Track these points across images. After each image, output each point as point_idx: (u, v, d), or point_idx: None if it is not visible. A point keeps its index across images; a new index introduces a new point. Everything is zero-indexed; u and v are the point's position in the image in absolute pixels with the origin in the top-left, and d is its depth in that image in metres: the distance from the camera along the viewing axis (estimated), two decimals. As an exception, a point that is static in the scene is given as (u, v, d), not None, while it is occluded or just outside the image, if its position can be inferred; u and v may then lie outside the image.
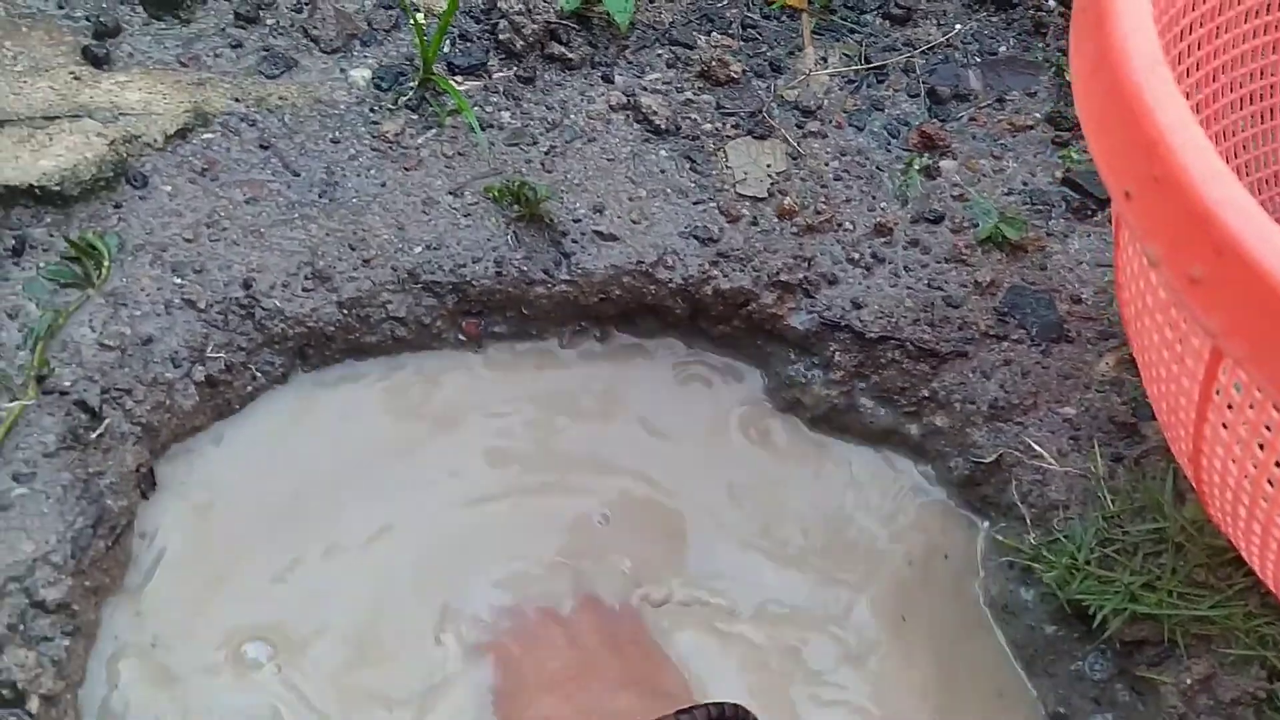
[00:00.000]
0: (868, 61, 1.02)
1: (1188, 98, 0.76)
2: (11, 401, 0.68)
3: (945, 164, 0.95)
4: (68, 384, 0.70)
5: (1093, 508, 0.76)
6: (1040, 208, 0.93)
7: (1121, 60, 0.54)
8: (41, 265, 0.75)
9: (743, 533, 0.82)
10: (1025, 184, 0.95)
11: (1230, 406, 0.56)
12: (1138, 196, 0.53)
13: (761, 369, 0.90)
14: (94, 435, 0.68)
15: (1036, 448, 0.80)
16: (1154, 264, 0.52)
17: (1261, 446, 0.55)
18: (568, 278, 0.84)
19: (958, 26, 1.06)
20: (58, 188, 0.77)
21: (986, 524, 0.83)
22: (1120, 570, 0.73)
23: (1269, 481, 0.56)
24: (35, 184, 0.77)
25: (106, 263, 0.75)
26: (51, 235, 0.77)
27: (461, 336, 0.85)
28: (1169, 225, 0.50)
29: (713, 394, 0.89)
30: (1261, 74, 0.83)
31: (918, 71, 1.02)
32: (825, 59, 1.02)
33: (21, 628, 0.60)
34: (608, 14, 0.97)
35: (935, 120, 0.98)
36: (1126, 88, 0.53)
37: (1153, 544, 0.73)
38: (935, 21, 1.06)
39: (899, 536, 0.83)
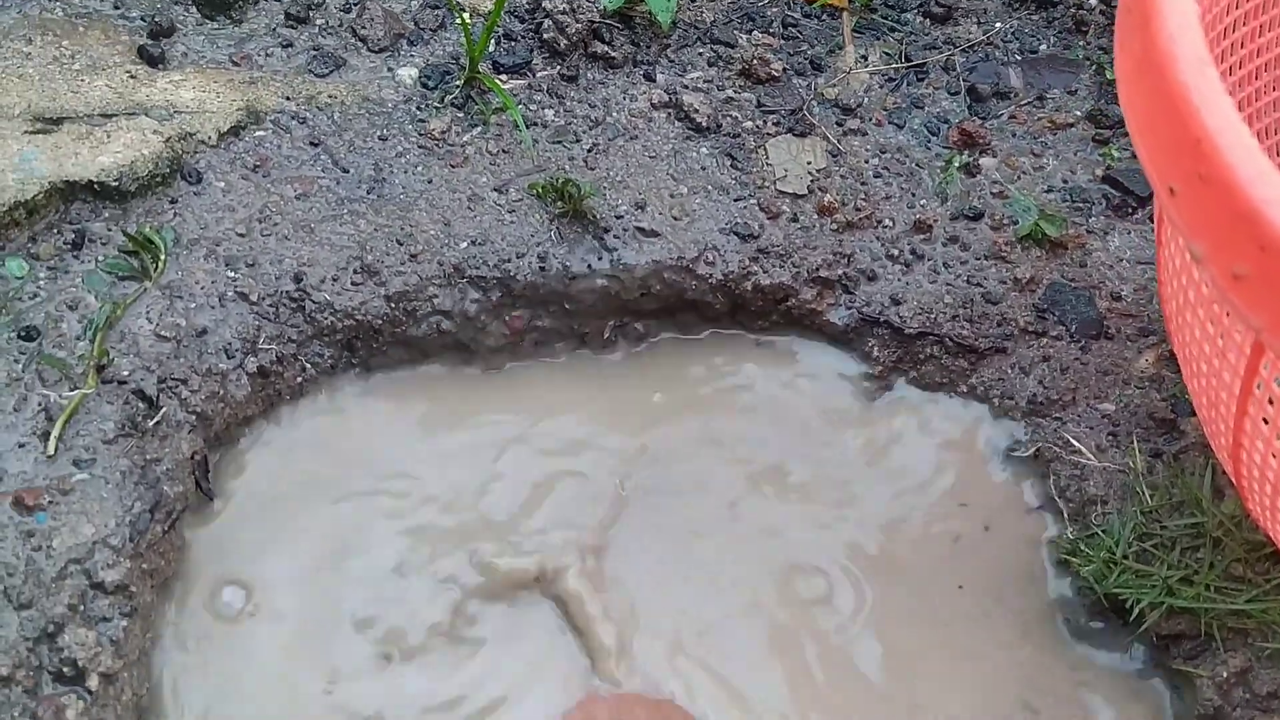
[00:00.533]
0: (908, 60, 1.03)
1: (1232, 95, 0.76)
2: (72, 390, 0.70)
3: (985, 161, 0.96)
4: (126, 373, 0.72)
5: (1131, 502, 0.77)
6: (1080, 205, 0.94)
7: (1168, 60, 0.55)
8: (100, 259, 0.77)
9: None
10: (1065, 181, 0.95)
11: (1271, 401, 0.57)
12: (1183, 194, 0.54)
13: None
14: (151, 423, 0.70)
15: (1075, 443, 0.81)
16: (1198, 260, 0.53)
17: (1302, 441, 0.55)
18: (610, 272, 0.86)
19: (998, 25, 1.06)
20: (116, 183, 0.79)
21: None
22: (1158, 565, 0.73)
23: (1309, 476, 0.56)
24: (94, 179, 0.79)
25: (163, 256, 0.77)
26: (110, 229, 0.79)
27: (506, 331, 0.86)
28: (1214, 222, 0.51)
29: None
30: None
31: (958, 69, 1.02)
32: (865, 57, 1.03)
33: (82, 608, 0.62)
34: (650, 13, 0.98)
35: (975, 118, 0.99)
36: (1173, 87, 0.54)
37: (1190, 539, 0.74)
38: (975, 20, 1.07)
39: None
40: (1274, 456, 0.58)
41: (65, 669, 0.60)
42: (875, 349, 0.87)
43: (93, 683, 0.60)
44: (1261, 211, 0.48)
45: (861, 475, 0.84)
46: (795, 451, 0.85)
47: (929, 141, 0.97)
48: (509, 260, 0.85)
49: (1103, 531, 0.76)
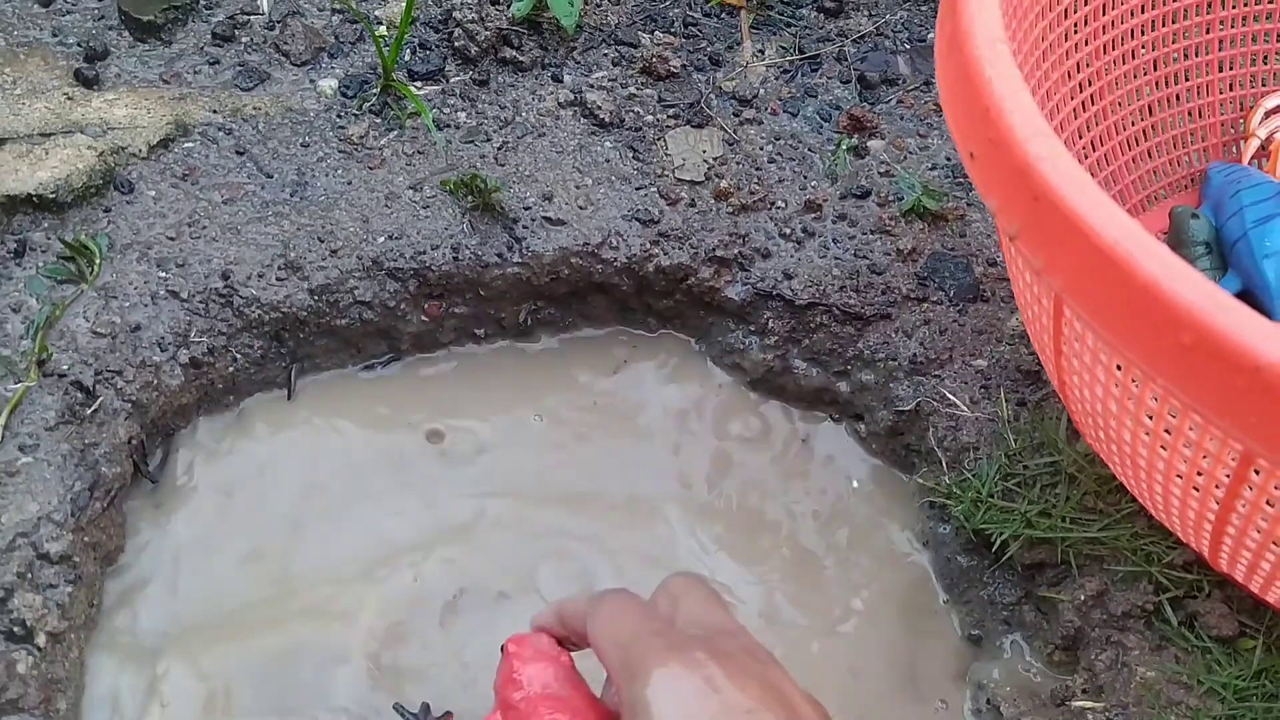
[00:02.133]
0: (802, 52, 1.10)
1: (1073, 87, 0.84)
2: (16, 383, 0.76)
3: (873, 144, 1.03)
4: (65, 367, 0.78)
5: (998, 448, 0.83)
6: (961, 180, 1.00)
7: (967, 37, 0.62)
8: (40, 265, 0.83)
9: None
10: (948, 159, 1.02)
11: (1076, 340, 0.63)
12: (979, 157, 0.61)
13: (703, 339, 0.97)
14: (89, 411, 0.77)
15: (951, 397, 0.88)
16: (993, 214, 0.60)
17: (1102, 370, 0.62)
18: (520, 260, 0.92)
19: (888, 16, 1.13)
20: (53, 195, 0.86)
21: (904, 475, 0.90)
22: (1020, 501, 0.80)
23: (1112, 401, 0.63)
24: (33, 193, 0.85)
25: (98, 260, 0.84)
26: (49, 238, 0.85)
27: (424, 318, 0.93)
28: (1001, 179, 0.58)
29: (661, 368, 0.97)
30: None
31: (849, 59, 1.09)
32: (763, 51, 1.10)
33: (29, 576, 0.68)
34: (556, 19, 1.05)
35: (865, 104, 1.06)
36: (969, 61, 0.61)
37: (1049, 476, 0.80)
38: (867, 12, 1.14)
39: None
40: (1085, 387, 0.65)
41: (15, 629, 0.67)
42: (770, 320, 0.94)
43: (41, 640, 0.67)
44: (1034, 166, 0.55)
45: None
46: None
47: (821, 127, 1.04)
48: (424, 252, 0.91)
49: (973, 475, 0.83)
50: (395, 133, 0.98)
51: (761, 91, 1.06)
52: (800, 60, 1.09)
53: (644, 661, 0.41)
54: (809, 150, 1.02)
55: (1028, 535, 0.78)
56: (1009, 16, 0.70)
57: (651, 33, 1.09)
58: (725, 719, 0.38)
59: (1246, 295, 0.79)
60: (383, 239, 0.91)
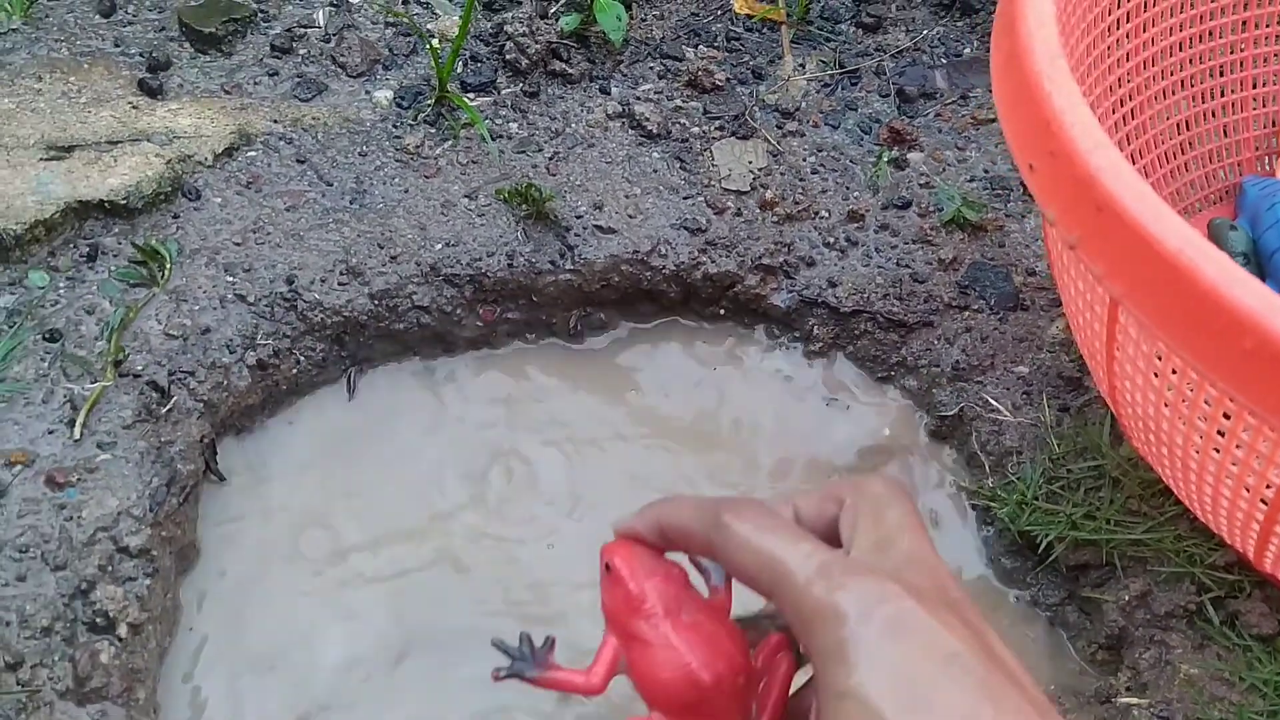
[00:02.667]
0: (842, 66, 1.12)
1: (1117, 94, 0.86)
2: (93, 383, 0.79)
3: (913, 156, 1.05)
4: (140, 368, 0.81)
5: (1041, 451, 0.86)
6: (1000, 192, 1.03)
7: (1026, 54, 0.65)
8: (113, 269, 0.86)
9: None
10: (986, 171, 1.04)
11: (1130, 346, 0.66)
12: (1039, 169, 0.63)
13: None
14: (164, 410, 0.79)
15: (994, 402, 0.90)
16: (1052, 224, 0.62)
17: (1156, 375, 0.64)
18: (572, 267, 0.95)
19: (925, 32, 1.16)
20: (124, 201, 0.88)
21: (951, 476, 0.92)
22: (1064, 503, 0.82)
23: (1165, 404, 0.65)
24: (105, 199, 0.88)
25: (169, 265, 0.86)
26: (120, 243, 0.88)
27: (479, 323, 0.95)
28: (1061, 190, 0.61)
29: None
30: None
31: (888, 74, 1.12)
32: (803, 65, 1.12)
33: (110, 569, 0.71)
34: (604, 32, 1.07)
35: (904, 117, 1.08)
36: (1029, 76, 0.64)
37: (1093, 480, 0.83)
38: (904, 28, 1.16)
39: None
40: (1139, 392, 0.67)
41: (98, 620, 0.69)
42: (815, 327, 0.97)
43: (122, 631, 0.69)
44: (1097, 178, 0.58)
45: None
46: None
47: (861, 140, 1.07)
48: (480, 259, 0.94)
49: (1016, 478, 0.85)
50: (450, 143, 1.01)
51: (803, 105, 1.09)
52: (840, 74, 1.12)
53: (824, 590, 0.34)
54: (850, 162, 1.05)
55: (1073, 537, 0.80)
56: (1061, 35, 0.73)
57: (695, 46, 1.12)
58: (926, 662, 0.32)
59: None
60: (440, 246, 0.94)
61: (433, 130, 1.01)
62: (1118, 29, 0.86)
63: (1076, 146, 0.59)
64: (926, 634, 0.33)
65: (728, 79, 1.09)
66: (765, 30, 1.15)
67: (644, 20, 1.13)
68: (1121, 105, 0.91)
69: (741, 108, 1.07)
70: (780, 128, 1.06)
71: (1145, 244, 0.55)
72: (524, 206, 0.96)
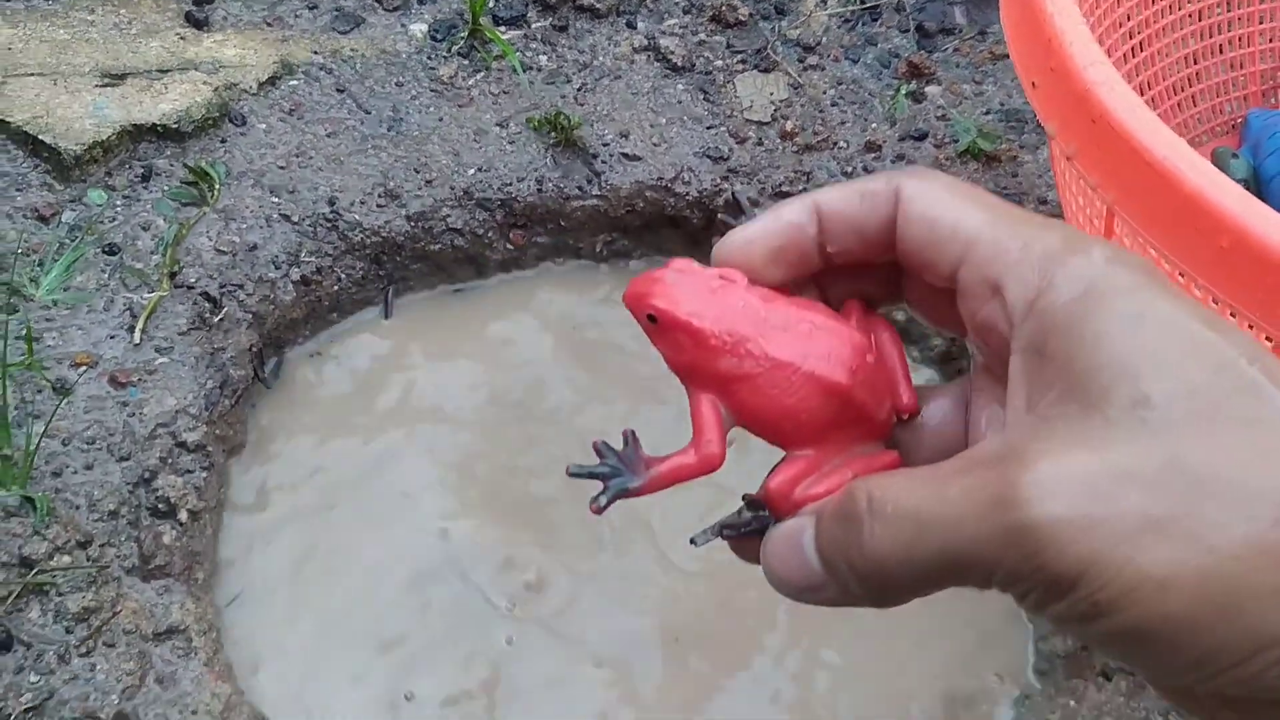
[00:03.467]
0: (862, 2, 1.15)
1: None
2: (150, 293, 0.84)
3: (930, 89, 1.09)
4: (193, 280, 0.86)
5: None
6: (1014, 124, 1.06)
7: (1031, -23, 0.68)
8: (166, 188, 0.91)
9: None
10: (1002, 105, 1.08)
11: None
12: (1041, 85, 0.67)
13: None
14: (216, 319, 0.85)
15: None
16: (1053, 137, 0.66)
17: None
18: (599, 193, 0.99)
19: (945, -31, 1.19)
20: (175, 125, 0.93)
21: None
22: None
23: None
24: (157, 122, 0.93)
25: (218, 186, 0.91)
26: (172, 164, 0.93)
27: (510, 245, 1.00)
28: (1061, 104, 0.64)
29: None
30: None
31: (908, 9, 1.15)
32: (825, 1, 1.15)
33: (170, 461, 0.77)
34: (630, -32, 1.11)
35: (923, 52, 1.11)
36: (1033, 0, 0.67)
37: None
38: (924, -35, 1.19)
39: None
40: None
41: (160, 505, 0.75)
42: (832, 253, 1.00)
43: (183, 516, 0.75)
44: (1092, 91, 0.61)
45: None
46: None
47: (880, 74, 1.10)
48: (510, 184, 0.98)
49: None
50: (482, 74, 1.05)
51: (824, 39, 1.12)
52: (861, 10, 1.15)
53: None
54: (869, 95, 1.08)
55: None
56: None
57: (719, -17, 1.15)
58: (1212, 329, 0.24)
59: (1283, 227, 0.85)
60: (473, 171, 0.98)
61: (466, 62, 1.05)
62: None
63: (1074, 62, 0.63)
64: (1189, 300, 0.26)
65: (751, 14, 1.12)
66: (789, -33, 1.18)
67: (670, -43, 1.17)
68: (1131, 37, 0.93)
69: (764, 42, 1.10)
70: (802, 61, 1.10)
71: (1135, 152, 0.58)
72: (553, 134, 1.00)
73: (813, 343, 0.30)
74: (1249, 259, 0.54)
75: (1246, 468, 0.23)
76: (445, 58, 1.05)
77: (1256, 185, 0.89)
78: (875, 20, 1.14)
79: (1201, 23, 0.99)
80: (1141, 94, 0.96)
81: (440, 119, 1.01)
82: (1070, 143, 0.64)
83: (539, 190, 0.98)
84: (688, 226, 1.02)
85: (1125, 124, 0.59)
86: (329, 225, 0.94)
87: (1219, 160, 0.91)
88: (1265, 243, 0.53)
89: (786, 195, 1.00)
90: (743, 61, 1.09)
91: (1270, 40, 1.00)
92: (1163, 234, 0.59)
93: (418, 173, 0.97)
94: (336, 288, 0.94)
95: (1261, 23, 0.99)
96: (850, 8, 1.15)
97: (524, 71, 1.05)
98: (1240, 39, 0.99)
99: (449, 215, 0.97)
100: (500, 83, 1.04)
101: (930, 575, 0.25)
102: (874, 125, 1.06)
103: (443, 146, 0.99)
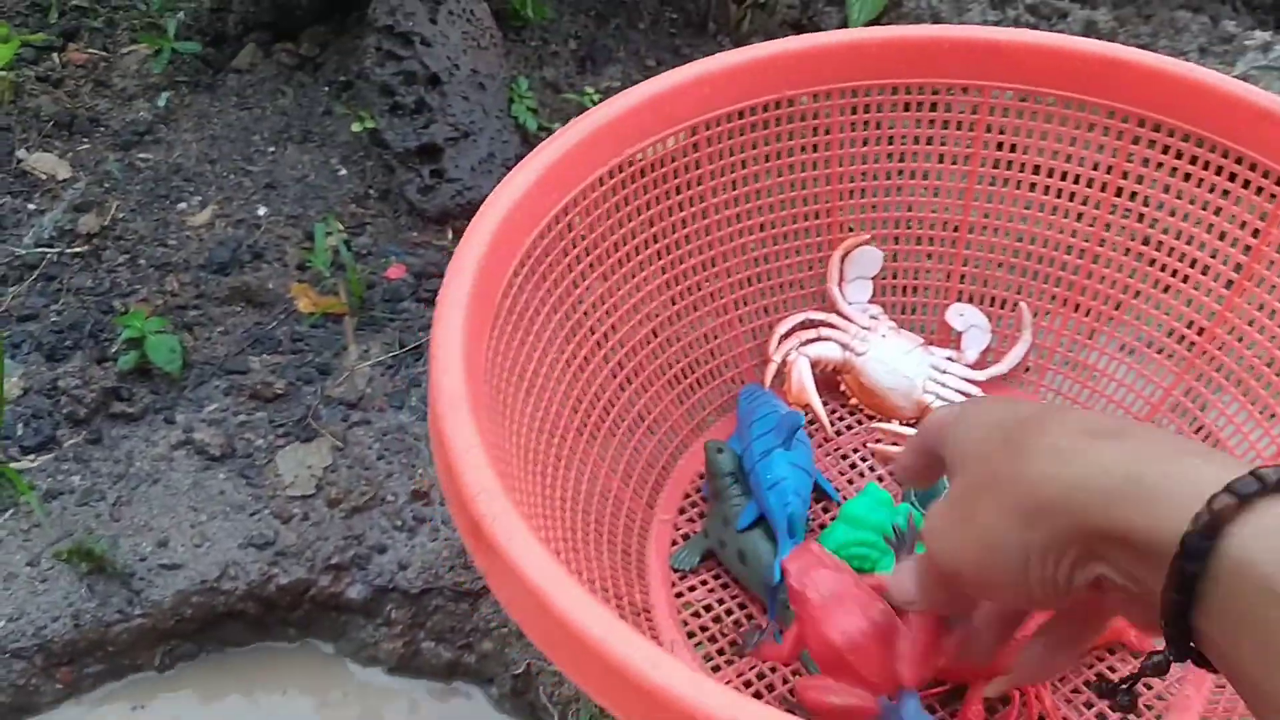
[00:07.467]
0: (403, 345, 1.21)
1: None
2: None
3: (473, 420, 1.14)
4: None
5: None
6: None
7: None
8: None
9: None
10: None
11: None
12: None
13: (339, 638, 1.05)
14: None
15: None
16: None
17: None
18: (142, 611, 0.98)
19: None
20: None
21: (536, 725, 0.99)
22: (609, 746, 0.89)
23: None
24: None
25: None
26: None
27: (59, 685, 0.97)
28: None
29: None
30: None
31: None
32: (368, 351, 1.21)
33: None
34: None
35: (463, 383, 1.17)
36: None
37: None
38: (461, 295, 1.27)
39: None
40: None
41: None
42: (392, 611, 1.02)
43: None
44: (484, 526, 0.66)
45: None
46: None
47: (425, 415, 1.15)
48: (44, 626, 0.96)
49: (574, 726, 0.92)
50: (10, 511, 1.03)
51: (369, 391, 1.16)
52: (403, 353, 1.20)
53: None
54: (415, 439, 1.12)
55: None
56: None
57: (260, 355, 1.19)
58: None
59: (763, 520, 0.91)
60: (3, 623, 0.96)
61: (-9, 503, 1.04)
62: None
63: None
64: None
65: (290, 383, 1.16)
66: (330, 325, 1.23)
67: (209, 339, 1.20)
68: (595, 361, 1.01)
69: (305, 409, 1.14)
70: (345, 420, 1.14)
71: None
72: (85, 563, 0.99)
73: (840, 615, 0.61)
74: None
75: None
76: (-32, 504, 1.04)
77: (742, 474, 0.96)
78: (418, 360, 1.20)
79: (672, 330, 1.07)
80: (643, 394, 1.03)
81: (-37, 574, 0.99)
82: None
83: (76, 625, 0.97)
84: (246, 618, 1.02)
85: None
86: None
87: (707, 455, 0.98)
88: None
89: (339, 566, 1.02)
90: (284, 434, 1.11)
91: (753, 319, 1.10)
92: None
93: (-61, 640, 0.94)
94: None
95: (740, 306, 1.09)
96: (393, 353, 1.20)
97: (54, 499, 1.04)
98: (719, 328, 1.09)
99: (-21, 677, 0.94)
100: (30, 517, 1.03)
101: None
102: (420, 471, 1.10)
103: (-35, 605, 0.97)
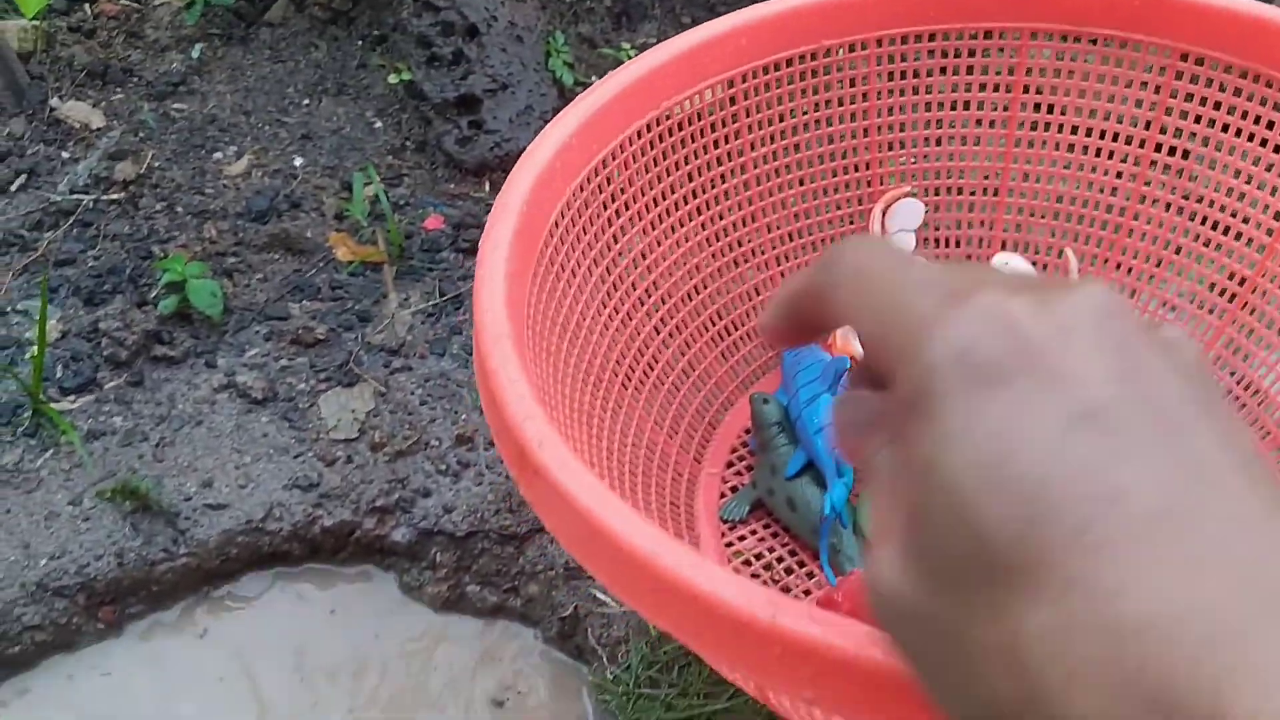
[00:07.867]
0: (443, 294, 1.20)
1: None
2: None
3: (516, 368, 1.13)
4: None
5: (642, 637, 0.92)
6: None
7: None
8: None
9: None
10: (585, 369, 1.13)
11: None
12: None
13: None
14: None
15: (601, 596, 0.96)
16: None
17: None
18: (187, 551, 0.97)
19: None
20: None
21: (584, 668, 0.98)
22: (662, 685, 0.88)
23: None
24: None
25: None
26: None
27: (101, 624, 0.96)
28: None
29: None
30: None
31: (488, 292, 1.20)
32: (407, 299, 1.19)
33: None
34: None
35: (504, 332, 1.16)
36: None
37: (684, 658, 0.89)
38: (500, 245, 1.25)
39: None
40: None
41: None
42: (438, 555, 1.01)
43: None
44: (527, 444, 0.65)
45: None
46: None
47: (467, 362, 1.14)
48: (88, 565, 0.95)
49: (625, 668, 0.91)
50: (51, 451, 1.02)
51: (409, 338, 1.15)
52: (443, 301, 1.19)
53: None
54: (457, 386, 1.11)
55: (672, 717, 0.86)
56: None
57: (300, 302, 1.17)
58: None
59: (811, 466, 0.90)
60: (44, 561, 0.95)
61: (33, 442, 1.03)
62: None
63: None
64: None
65: (331, 329, 1.14)
66: (369, 274, 1.22)
67: (248, 285, 1.19)
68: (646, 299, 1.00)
69: (346, 355, 1.13)
70: (387, 366, 1.12)
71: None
72: (128, 502, 0.98)
73: None
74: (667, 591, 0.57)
75: None
76: (10, 443, 1.03)
77: (788, 423, 0.95)
78: (458, 309, 1.19)
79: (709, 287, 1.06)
80: (689, 348, 1.02)
81: (7, 511, 0.98)
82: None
83: (119, 564, 0.95)
84: (289, 559, 1.01)
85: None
86: (-118, 659, 0.88)
87: (752, 407, 0.97)
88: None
89: (383, 509, 1.01)
90: (326, 379, 1.10)
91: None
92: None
93: (-17, 576, 0.93)
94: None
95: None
96: (433, 302, 1.19)
97: (96, 439, 1.03)
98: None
99: (24, 614, 0.93)
100: (71, 457, 1.02)
101: None
102: (464, 416, 1.08)
103: (9, 541, 0.96)
